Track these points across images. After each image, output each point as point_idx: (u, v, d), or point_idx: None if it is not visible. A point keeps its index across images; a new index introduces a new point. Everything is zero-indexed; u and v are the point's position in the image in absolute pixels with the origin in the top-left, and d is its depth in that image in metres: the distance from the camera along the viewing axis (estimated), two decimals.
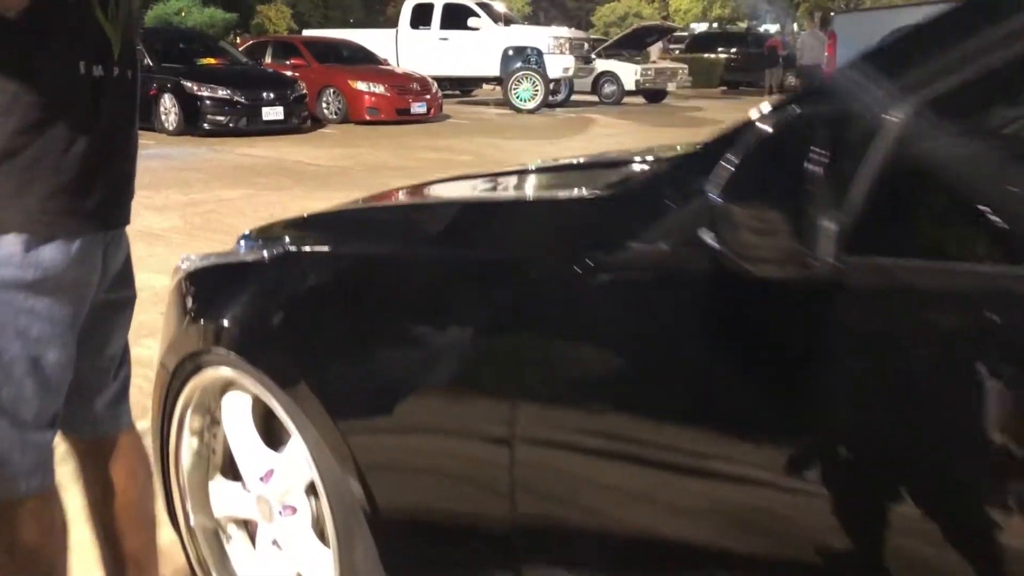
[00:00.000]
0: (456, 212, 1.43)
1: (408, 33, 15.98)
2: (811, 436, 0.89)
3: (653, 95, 17.75)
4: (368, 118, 12.56)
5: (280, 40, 16.06)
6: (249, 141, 10.41)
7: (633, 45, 18.79)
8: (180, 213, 6.18)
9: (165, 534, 1.72)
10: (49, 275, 1.21)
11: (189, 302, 1.65)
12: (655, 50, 20.51)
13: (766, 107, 0.98)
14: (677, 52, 23.74)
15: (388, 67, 14.30)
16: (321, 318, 1.43)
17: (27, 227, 1.19)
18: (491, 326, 1.22)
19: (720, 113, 15.25)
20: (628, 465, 1.06)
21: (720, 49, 23.64)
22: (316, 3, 32.61)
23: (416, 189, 1.91)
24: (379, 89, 12.73)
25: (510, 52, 15.19)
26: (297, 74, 12.57)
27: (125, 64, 1.28)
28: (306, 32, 19.92)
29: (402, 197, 1.86)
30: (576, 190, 1.32)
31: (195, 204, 6.56)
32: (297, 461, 1.45)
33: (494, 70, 15.43)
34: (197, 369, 1.58)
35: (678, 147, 2.21)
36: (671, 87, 18.02)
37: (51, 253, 1.21)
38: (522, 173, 1.83)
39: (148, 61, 11.26)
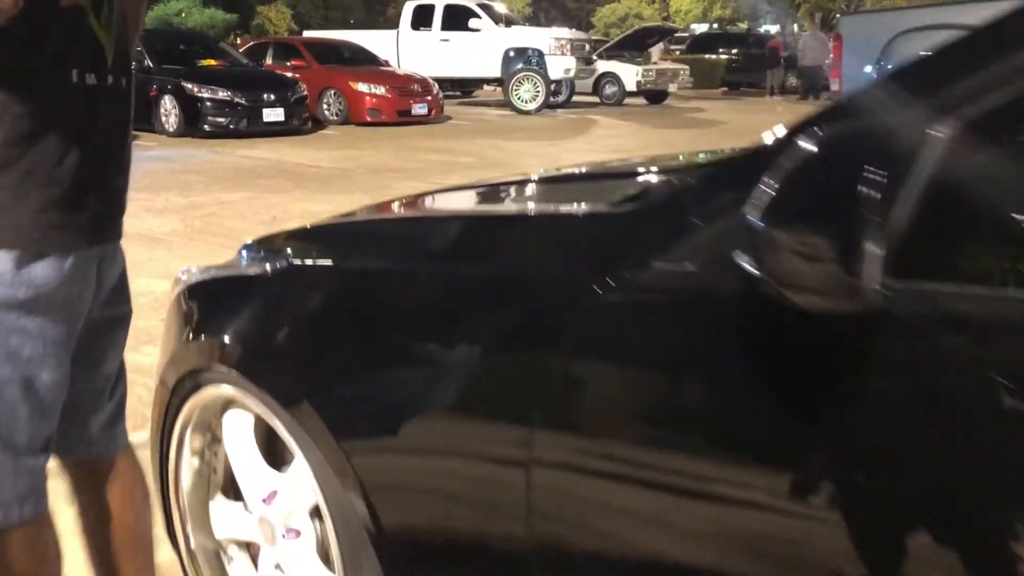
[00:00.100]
0: (466, 226, 1.37)
1: (409, 34, 15.94)
2: (848, 472, 0.84)
3: (654, 96, 17.71)
4: (369, 119, 12.51)
5: (281, 41, 16.01)
6: (250, 143, 10.36)
7: (634, 46, 18.75)
8: (180, 216, 6.13)
9: (164, 553, 1.67)
10: (41, 293, 1.16)
11: (189, 317, 1.60)
12: (656, 51, 20.48)
13: (780, 130, 0.93)
14: (678, 53, 23.69)
15: (389, 68, 14.25)
16: (325, 335, 1.38)
17: (18, 243, 1.14)
18: (505, 346, 1.16)
19: (721, 114, 15.21)
20: (652, 491, 1.01)
21: (721, 50, 23.60)
22: (316, 4, 32.56)
23: (422, 199, 1.86)
24: (380, 90, 12.68)
25: (511, 53, 15.15)
26: (298, 75, 12.52)
27: (119, 72, 1.23)
28: (306, 33, 19.86)
29: (408, 208, 1.81)
30: (589, 204, 1.27)
31: (195, 207, 6.51)
32: (301, 483, 1.40)
33: (495, 71, 15.38)
34: (197, 387, 1.53)
35: (680, 156, 2.16)
36: (672, 88, 17.96)
37: (43, 270, 1.15)
38: (528, 184, 1.78)
39: (148, 62, 11.24)
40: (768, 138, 0.94)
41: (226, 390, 1.48)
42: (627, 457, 1.03)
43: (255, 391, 1.41)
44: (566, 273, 1.09)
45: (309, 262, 1.48)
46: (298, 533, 1.44)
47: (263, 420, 1.45)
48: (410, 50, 15.75)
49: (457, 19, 15.46)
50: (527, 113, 14.79)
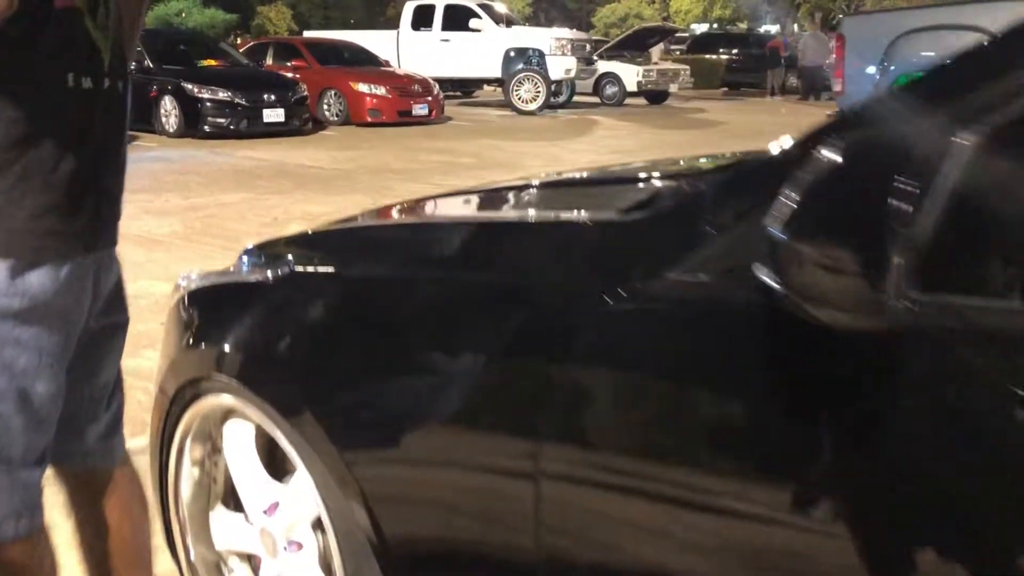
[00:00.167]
0: (471, 233, 1.35)
1: (409, 34, 15.90)
2: (868, 492, 0.81)
3: (655, 96, 17.67)
4: (369, 120, 12.48)
5: (281, 41, 15.97)
6: (250, 143, 10.33)
7: (635, 46, 18.71)
8: (180, 217, 6.10)
9: (163, 563, 1.64)
10: (37, 303, 1.13)
11: (189, 324, 1.57)
12: (656, 51, 20.42)
13: (787, 140, 0.90)
14: (678, 53, 23.65)
15: (389, 69, 14.21)
16: (328, 344, 1.35)
17: (13, 251, 1.11)
18: (513, 356, 1.14)
19: (722, 115, 15.18)
20: (665, 506, 0.98)
21: (722, 50, 23.55)
22: (317, 4, 32.54)
23: (424, 203, 1.83)
24: (380, 91, 12.65)
25: (512, 53, 15.11)
26: (298, 76, 12.49)
27: (115, 75, 1.20)
28: (307, 33, 19.82)
29: (410, 213, 1.78)
30: (598, 212, 1.24)
31: (195, 208, 6.48)
32: (303, 495, 1.37)
33: (496, 71, 15.34)
34: (197, 396, 1.50)
35: (680, 161, 2.13)
36: (673, 88, 17.92)
37: (39, 279, 1.13)
38: (531, 189, 1.76)
39: (148, 62, 11.20)
40: (776, 147, 0.91)
41: (226, 400, 1.45)
42: (638, 470, 1.00)
43: (256, 401, 1.39)
44: (576, 282, 1.06)
45: (311, 269, 1.45)
46: (300, 546, 1.41)
47: (264, 430, 1.42)
48: (410, 50, 15.71)
49: (457, 19, 15.42)
50: (528, 113, 14.75)
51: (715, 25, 36.82)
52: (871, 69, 5.83)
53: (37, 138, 1.10)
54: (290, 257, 1.52)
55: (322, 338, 1.37)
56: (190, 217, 6.14)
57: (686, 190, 1.20)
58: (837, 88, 6.23)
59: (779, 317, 0.79)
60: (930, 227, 0.73)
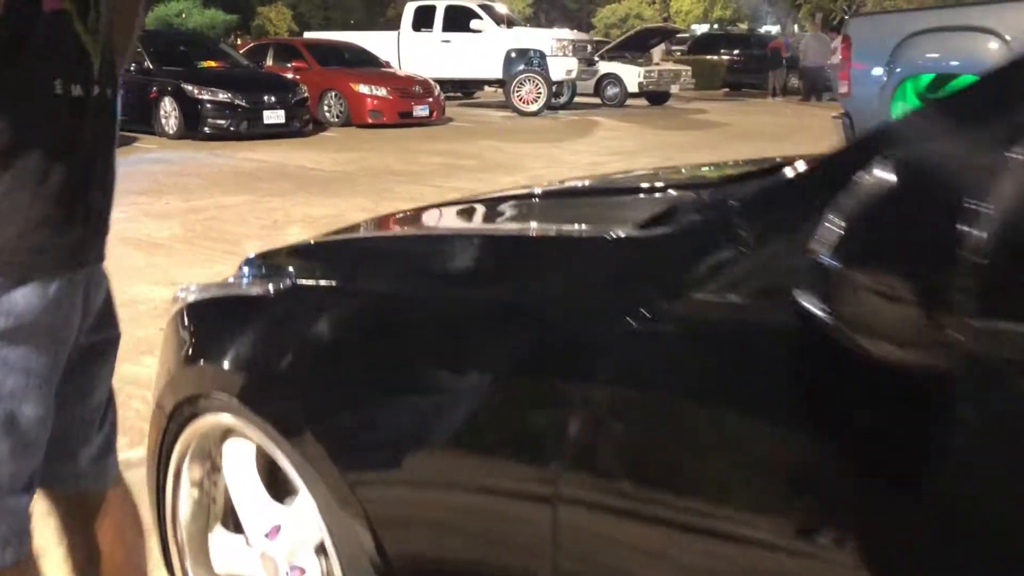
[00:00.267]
0: (481, 247, 1.29)
1: (410, 35, 15.85)
2: (919, 535, 0.75)
3: (656, 97, 17.61)
4: (370, 121, 12.43)
5: (281, 42, 15.91)
6: (250, 145, 10.29)
7: (636, 47, 18.67)
8: (180, 220, 6.05)
9: None
10: (24, 322, 1.07)
11: (187, 339, 1.52)
12: (657, 52, 20.37)
13: (801, 165, 0.84)
14: (679, 54, 23.60)
15: (390, 70, 14.16)
16: (332, 361, 1.30)
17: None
18: (528, 377, 1.08)
19: (724, 116, 15.13)
20: (689, 536, 0.92)
21: (723, 51, 23.50)
22: (317, 4, 32.50)
23: (429, 212, 1.77)
24: (381, 92, 12.60)
25: (513, 54, 15.06)
26: (298, 77, 12.45)
27: (105, 82, 1.14)
28: (307, 34, 19.78)
29: (415, 223, 1.72)
30: (615, 226, 1.18)
31: (196, 211, 6.42)
32: (306, 518, 1.31)
33: (496, 72, 15.29)
34: (195, 414, 1.45)
35: (682, 170, 2.08)
36: (674, 89, 17.86)
37: (25, 297, 1.06)
38: (539, 198, 1.70)
39: (148, 63, 11.16)
40: (801, 162, 0.85)
41: (226, 419, 1.39)
42: (662, 499, 0.94)
43: (256, 421, 1.33)
44: (597, 301, 1.00)
45: (313, 282, 1.39)
46: (303, 571, 1.36)
47: (265, 450, 1.37)
48: (411, 51, 15.66)
49: (458, 20, 15.38)
50: (529, 115, 14.70)
51: (715, 26, 36.78)
52: (877, 71, 5.76)
53: (24, 149, 1.04)
54: (291, 269, 1.47)
55: (324, 355, 1.31)
56: (190, 220, 6.08)
57: (707, 204, 1.14)
58: (843, 90, 6.16)
59: (822, 346, 0.73)
60: (993, 252, 0.67)
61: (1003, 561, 0.71)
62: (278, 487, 1.43)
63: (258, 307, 1.42)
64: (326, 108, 12.79)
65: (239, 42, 19.86)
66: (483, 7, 15.55)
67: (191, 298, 1.60)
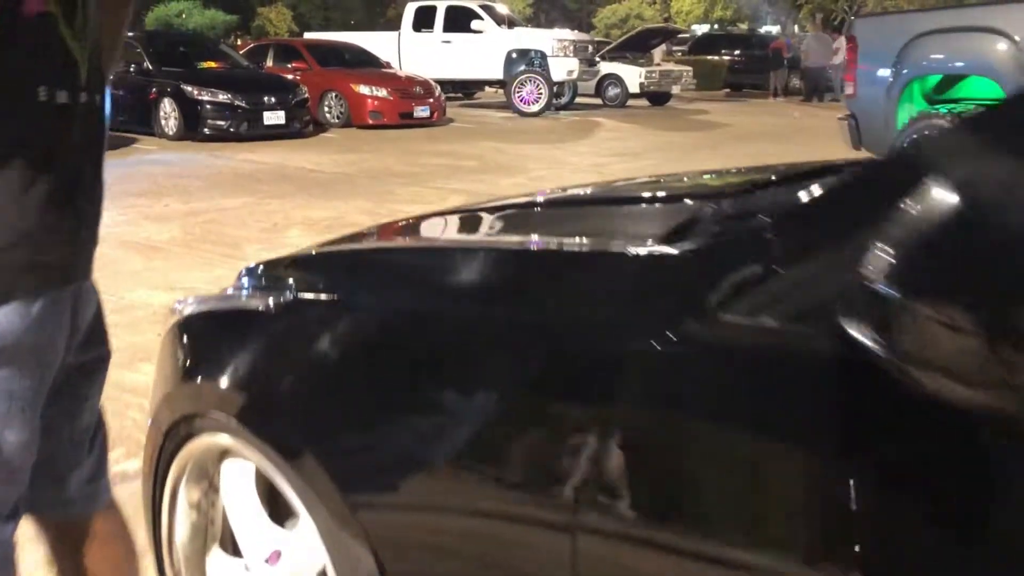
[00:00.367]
0: (493, 261, 1.22)
1: (410, 36, 15.79)
2: None
3: (657, 98, 17.55)
4: (371, 122, 12.37)
5: (282, 43, 15.85)
6: (250, 146, 10.23)
7: (637, 47, 18.61)
8: (180, 223, 5.99)
9: None
10: (7, 343, 1.01)
11: (184, 355, 1.46)
12: (658, 53, 20.31)
13: (833, 176, 0.77)
14: (680, 54, 23.53)
15: (390, 70, 14.10)
16: (333, 381, 1.24)
17: None
18: (545, 400, 1.02)
19: (726, 116, 15.07)
20: (718, 570, 0.87)
21: (724, 51, 23.43)
22: (317, 5, 32.44)
23: (436, 222, 1.71)
24: (382, 93, 12.54)
25: (514, 55, 15.00)
26: (299, 77, 12.39)
27: (94, 88, 1.08)
28: (307, 34, 19.71)
29: (422, 233, 1.66)
30: (634, 240, 1.12)
31: (195, 213, 6.37)
32: (308, 544, 1.26)
33: (497, 73, 15.23)
34: (192, 434, 1.39)
35: (684, 178, 2.02)
36: (676, 90, 17.80)
37: (7, 317, 1.00)
38: (548, 207, 1.64)
39: (148, 64, 11.12)
40: (834, 177, 0.79)
41: (223, 440, 1.34)
42: (686, 532, 0.89)
43: (255, 442, 1.27)
44: (619, 322, 0.94)
45: (314, 296, 1.33)
46: None
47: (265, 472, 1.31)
48: (412, 52, 15.60)
49: (459, 20, 15.32)
50: (530, 115, 14.64)
51: (715, 26, 36.72)
52: (884, 72, 5.70)
53: (6, 159, 0.98)
54: (292, 282, 1.41)
55: (326, 374, 1.25)
56: (190, 222, 6.02)
57: (731, 216, 1.08)
58: (849, 91, 6.10)
59: (872, 379, 0.67)
60: None
61: None
62: (279, 508, 1.37)
63: (257, 322, 1.36)
64: (326, 109, 12.73)
65: (239, 43, 19.81)
66: (484, 7, 15.49)
67: (188, 310, 1.54)
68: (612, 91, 17.26)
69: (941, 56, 5.46)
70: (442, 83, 14.06)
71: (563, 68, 15.02)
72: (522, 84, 14.87)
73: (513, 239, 1.37)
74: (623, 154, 10.13)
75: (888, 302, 0.63)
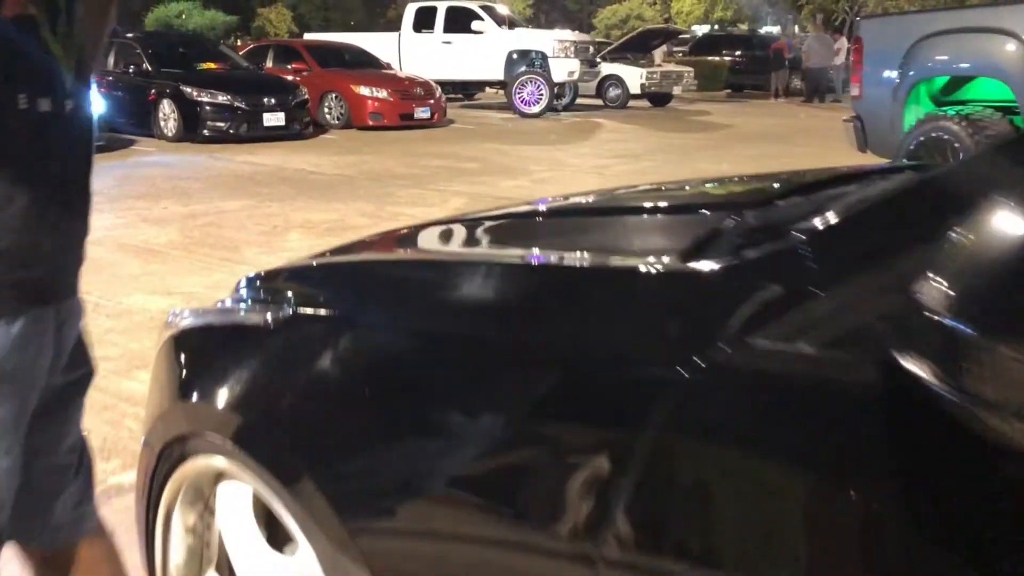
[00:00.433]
0: (502, 278, 1.16)
1: (411, 37, 15.73)
2: None
3: (658, 99, 17.50)
4: (371, 123, 12.31)
5: (282, 44, 15.79)
6: (250, 148, 10.18)
7: (638, 48, 18.56)
8: (179, 226, 5.93)
9: None
10: None
11: (179, 371, 1.39)
12: (659, 53, 20.25)
13: (866, 190, 0.71)
14: (680, 55, 23.48)
15: (391, 71, 14.05)
16: (334, 401, 1.18)
17: None
18: (557, 425, 0.96)
19: (727, 117, 15.01)
20: None
21: (725, 52, 23.38)
22: (317, 6, 32.38)
23: (439, 231, 1.65)
24: (382, 94, 12.49)
25: (514, 56, 14.95)
26: (299, 79, 12.34)
27: (79, 95, 1.02)
28: (307, 35, 19.66)
29: (426, 244, 1.59)
30: (652, 257, 1.05)
31: (194, 216, 6.31)
32: (307, 571, 1.19)
33: (498, 74, 15.18)
34: (186, 456, 1.32)
35: (686, 187, 1.95)
36: (676, 91, 17.74)
37: None
38: (556, 216, 1.58)
39: (147, 65, 11.07)
40: (867, 191, 0.72)
41: (219, 462, 1.27)
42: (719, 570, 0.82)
43: (252, 465, 1.21)
44: (642, 347, 0.88)
45: (314, 312, 1.27)
46: None
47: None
48: (412, 53, 15.55)
49: (459, 21, 15.26)
50: (530, 116, 14.58)
51: (716, 27, 36.66)
52: (890, 73, 5.64)
53: None
54: (291, 295, 1.35)
55: (326, 395, 1.19)
56: (188, 225, 5.96)
57: (758, 230, 1.02)
58: (855, 92, 6.03)
59: (931, 420, 0.60)
60: None
61: None
62: (277, 532, 1.31)
63: (255, 339, 1.30)
64: (326, 110, 12.67)
65: (239, 43, 19.75)
66: (484, 8, 15.44)
67: (184, 323, 1.48)
68: (613, 92, 17.21)
69: (948, 57, 5.39)
70: (442, 84, 14.01)
71: (564, 69, 14.96)
72: (523, 85, 14.81)
73: (520, 252, 1.31)
74: (624, 155, 10.07)
75: (957, 337, 0.57)
